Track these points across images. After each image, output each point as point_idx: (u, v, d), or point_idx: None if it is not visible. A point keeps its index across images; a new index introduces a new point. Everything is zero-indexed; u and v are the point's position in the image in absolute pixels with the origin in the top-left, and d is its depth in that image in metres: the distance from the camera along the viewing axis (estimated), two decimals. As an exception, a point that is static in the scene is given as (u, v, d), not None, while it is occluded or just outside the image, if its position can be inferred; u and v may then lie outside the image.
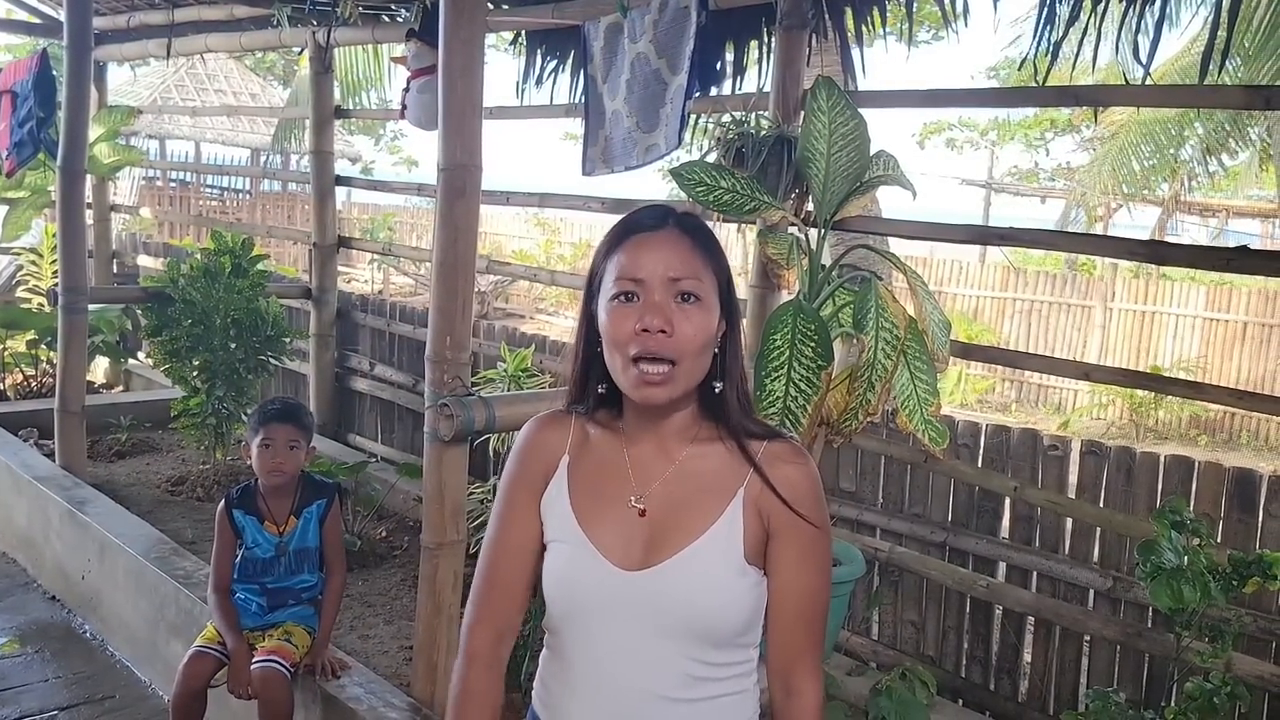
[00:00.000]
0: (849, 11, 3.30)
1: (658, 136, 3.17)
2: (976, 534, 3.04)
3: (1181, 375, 8.30)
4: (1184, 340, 10.11)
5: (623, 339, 1.15)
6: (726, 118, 3.03)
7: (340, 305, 5.32)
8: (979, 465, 3.02)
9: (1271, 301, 9.72)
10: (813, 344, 2.48)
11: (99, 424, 4.88)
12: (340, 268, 5.78)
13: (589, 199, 3.95)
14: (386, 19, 4.63)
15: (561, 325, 12.76)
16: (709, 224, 1.25)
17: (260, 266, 4.58)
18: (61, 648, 3.50)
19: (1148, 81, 2.83)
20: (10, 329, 5.76)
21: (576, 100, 3.80)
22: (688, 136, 3.27)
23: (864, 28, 3.35)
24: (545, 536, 1.26)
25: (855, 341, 2.63)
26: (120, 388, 6.23)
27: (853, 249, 2.94)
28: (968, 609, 3.06)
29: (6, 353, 5.79)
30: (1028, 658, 3.02)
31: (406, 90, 4.15)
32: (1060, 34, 2.68)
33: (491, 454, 3.27)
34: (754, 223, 3.04)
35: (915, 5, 3.18)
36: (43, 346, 5.73)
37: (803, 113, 2.91)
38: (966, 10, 3.06)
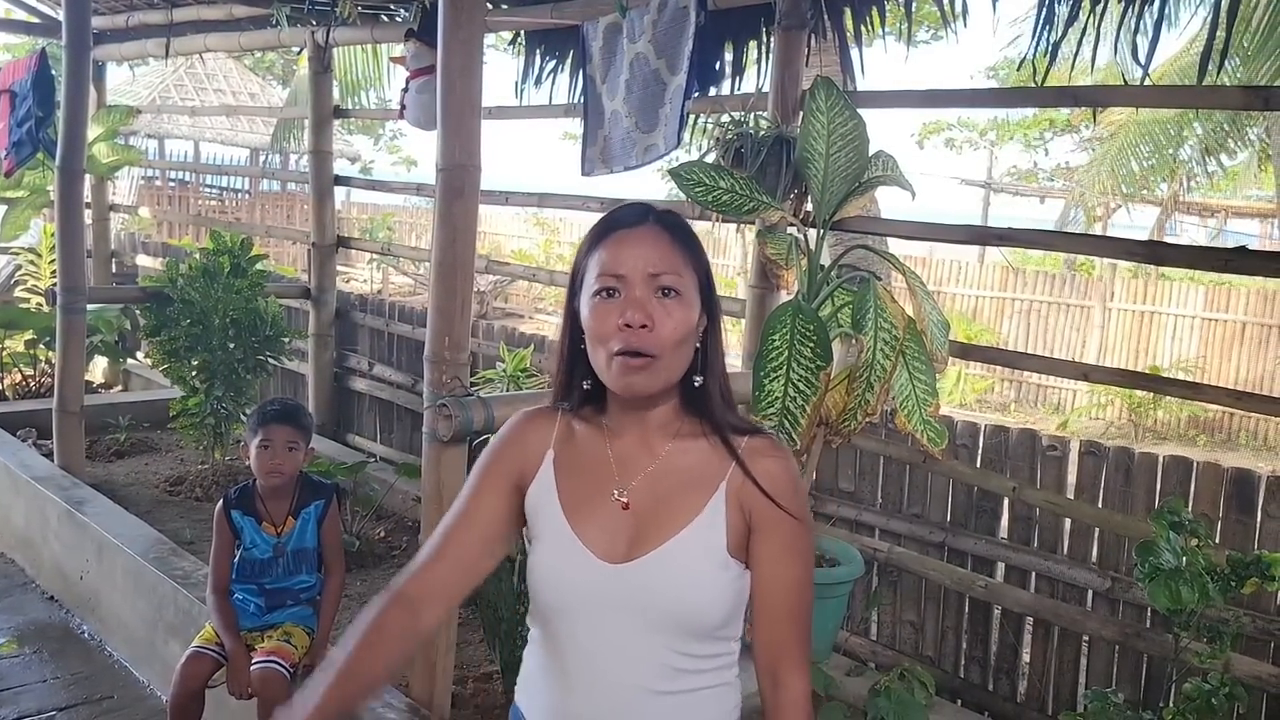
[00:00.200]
0: (848, 11, 3.30)
1: (657, 137, 3.17)
2: (975, 534, 3.04)
3: (1180, 375, 8.31)
4: (1183, 340, 10.12)
5: (605, 334, 1.17)
6: (725, 118, 3.03)
7: (339, 305, 5.31)
8: (978, 465, 3.02)
9: (1270, 302, 9.73)
10: (811, 344, 2.48)
11: (97, 424, 4.88)
12: (339, 267, 5.78)
13: (588, 199, 3.95)
14: (385, 19, 4.63)
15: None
16: (689, 221, 1.26)
17: (259, 266, 4.58)
18: (60, 648, 3.50)
19: (1147, 82, 2.84)
20: (9, 329, 5.75)
21: (575, 100, 3.80)
22: (687, 137, 3.27)
23: (863, 28, 3.35)
24: (530, 531, 1.27)
25: (854, 342, 2.63)
26: (119, 387, 6.22)
27: (851, 249, 2.94)
28: (966, 609, 3.06)
29: (5, 352, 5.78)
30: (1026, 658, 3.02)
31: (405, 90, 4.15)
32: (1059, 34, 2.68)
33: (490, 454, 3.26)
34: (753, 223, 3.04)
35: (914, 5, 3.18)
36: (41, 346, 5.73)
37: (801, 113, 2.91)
38: (965, 10, 3.06)
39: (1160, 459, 2.77)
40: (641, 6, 3.17)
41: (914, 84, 3.48)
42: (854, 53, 3.38)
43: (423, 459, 2.39)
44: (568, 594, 1.22)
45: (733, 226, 3.19)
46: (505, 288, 13.56)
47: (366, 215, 17.91)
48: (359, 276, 14.44)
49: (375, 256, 12.84)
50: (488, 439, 1.45)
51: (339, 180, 5.42)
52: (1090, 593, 2.83)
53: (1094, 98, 3.26)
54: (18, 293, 6.34)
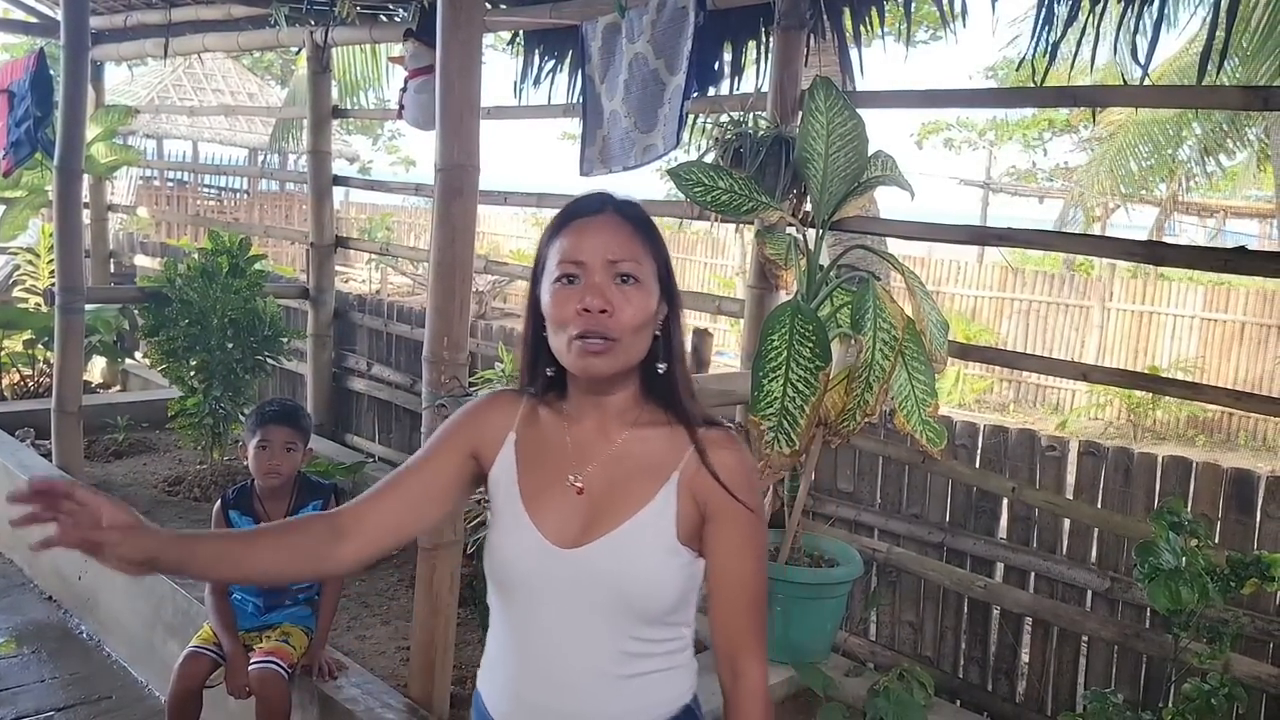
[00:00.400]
0: (847, 11, 3.30)
1: (656, 137, 3.17)
2: (974, 534, 3.04)
3: (1179, 376, 8.31)
4: (1182, 340, 10.12)
5: (565, 319, 1.20)
6: (724, 118, 3.02)
7: (338, 305, 5.31)
8: (977, 466, 3.02)
9: (1269, 302, 9.73)
10: (810, 344, 2.48)
11: (96, 424, 4.87)
12: (338, 267, 5.78)
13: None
14: (384, 19, 4.62)
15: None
16: (646, 210, 1.28)
17: (258, 266, 4.58)
18: (58, 648, 3.49)
19: (1146, 82, 2.83)
20: (7, 329, 5.74)
21: (574, 100, 3.80)
22: (686, 137, 3.27)
23: (862, 28, 3.35)
24: (491, 511, 1.30)
25: (853, 342, 2.63)
26: (117, 387, 6.22)
27: (851, 249, 2.94)
28: (965, 609, 3.06)
29: (3, 352, 5.78)
30: (1025, 658, 3.01)
31: (404, 90, 4.15)
32: (1059, 35, 2.68)
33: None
34: (752, 223, 3.04)
35: (914, 5, 3.18)
36: (39, 346, 5.72)
37: (801, 113, 2.91)
38: (965, 11, 3.06)
39: (1159, 459, 2.76)
40: (640, 6, 3.16)
41: (913, 84, 3.48)
42: (853, 53, 3.38)
43: (421, 459, 2.38)
44: (520, 575, 1.24)
45: (731, 226, 3.19)
46: (504, 288, 13.54)
47: (365, 215, 17.90)
48: (357, 276, 14.43)
49: (374, 256, 12.84)
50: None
51: (338, 180, 5.41)
52: (1089, 593, 2.83)
53: (1093, 98, 3.25)
54: (16, 293, 6.32)
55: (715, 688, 1.29)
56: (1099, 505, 2.82)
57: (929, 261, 12.10)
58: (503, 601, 1.28)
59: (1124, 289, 10.56)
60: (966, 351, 3.28)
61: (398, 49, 4.28)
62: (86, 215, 5.37)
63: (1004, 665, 3.01)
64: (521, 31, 4.09)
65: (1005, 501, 2.99)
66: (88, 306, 4.52)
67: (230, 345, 4.34)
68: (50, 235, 5.28)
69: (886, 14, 3.35)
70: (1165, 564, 2.18)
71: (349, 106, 6.37)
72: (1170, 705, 2.33)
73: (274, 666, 2.48)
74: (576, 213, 1.25)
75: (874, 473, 3.25)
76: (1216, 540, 2.57)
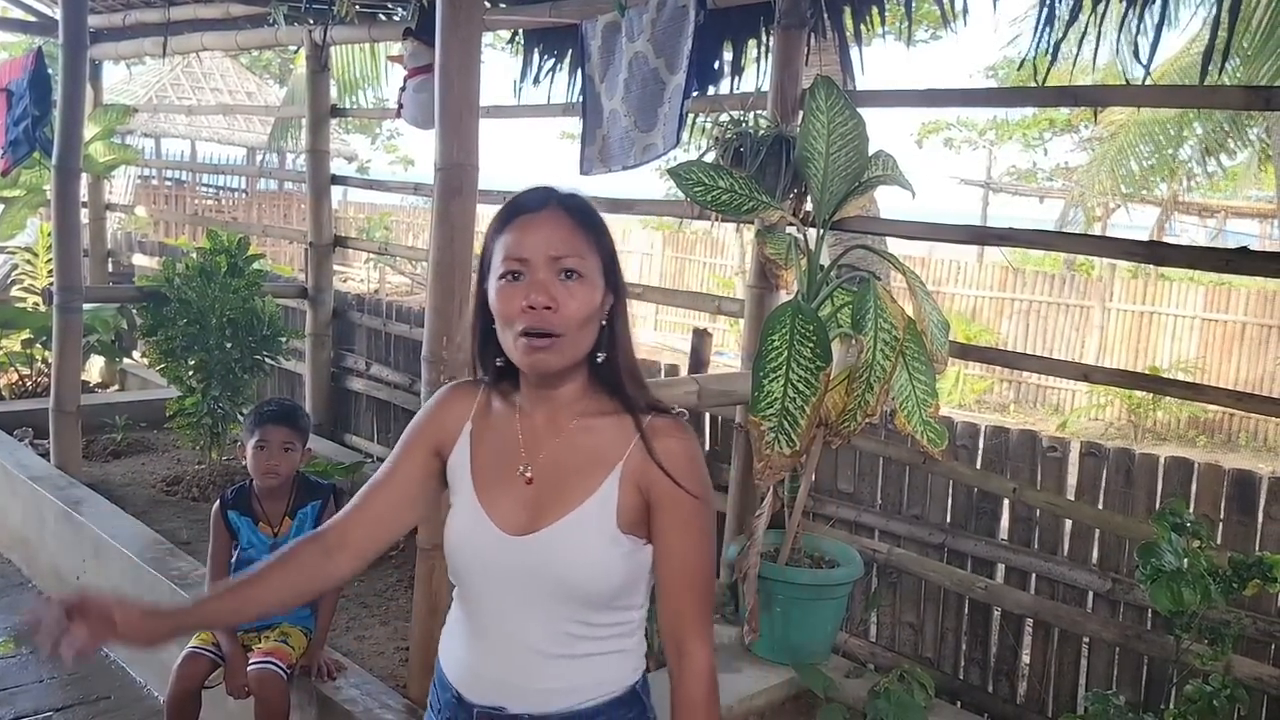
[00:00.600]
0: (848, 10, 3.29)
1: (655, 136, 3.16)
2: (975, 535, 3.03)
3: (1180, 376, 8.30)
4: (1182, 341, 10.11)
5: (510, 315, 1.22)
6: (725, 117, 3.01)
7: (336, 305, 5.30)
8: (978, 466, 3.01)
9: (1270, 302, 9.72)
10: (811, 344, 2.47)
11: (94, 423, 4.86)
12: (336, 267, 5.77)
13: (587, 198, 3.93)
14: (383, 17, 4.61)
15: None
16: (591, 203, 1.30)
17: (256, 266, 4.57)
18: (56, 649, 3.48)
19: (1147, 81, 2.82)
20: (5, 328, 5.73)
21: (574, 99, 3.79)
22: (686, 136, 3.26)
23: (863, 27, 3.34)
24: (449, 499, 1.34)
25: (854, 342, 2.62)
26: (115, 387, 6.21)
27: (851, 249, 2.93)
28: (966, 611, 3.05)
29: (1, 352, 5.77)
30: (1026, 660, 3.01)
31: (403, 89, 4.14)
32: (1060, 34, 2.67)
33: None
34: (752, 223, 3.03)
35: (914, 4, 3.17)
36: (38, 346, 5.71)
37: (801, 112, 2.90)
38: (966, 10, 3.05)
39: (1161, 460, 2.75)
40: (640, 5, 3.15)
41: (913, 83, 3.47)
42: (853, 52, 3.38)
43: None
44: (473, 561, 1.30)
45: (731, 226, 3.18)
46: (503, 287, 13.53)
47: (364, 215, 17.89)
48: (356, 276, 14.42)
49: (372, 256, 12.83)
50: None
51: (336, 180, 5.40)
52: (1091, 594, 2.82)
53: (1094, 97, 3.24)
54: (14, 292, 6.31)
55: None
56: (1100, 506, 2.81)
57: (929, 261, 12.09)
58: (458, 580, 1.33)
59: (1124, 289, 10.56)
60: (967, 352, 3.27)
61: (397, 48, 4.27)
62: (84, 214, 5.35)
63: (1005, 667, 3.00)
64: (521, 30, 4.08)
65: (1006, 502, 2.98)
66: (86, 306, 4.51)
67: (229, 345, 4.33)
68: (48, 234, 5.27)
69: (887, 13, 3.35)
70: (1167, 565, 2.17)
71: (347, 105, 6.36)
72: (1172, 707, 2.32)
73: (273, 667, 2.47)
74: (520, 209, 1.26)
75: (874, 473, 3.24)
76: (1218, 541, 2.56)
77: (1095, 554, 2.84)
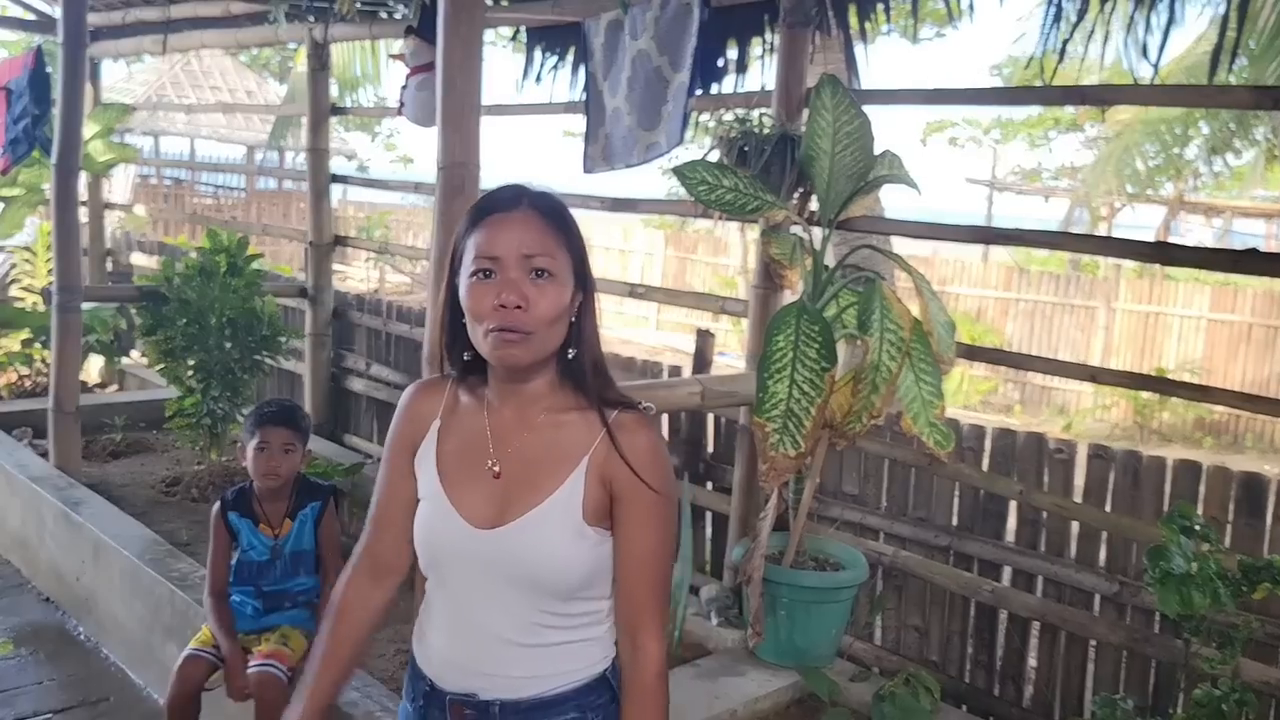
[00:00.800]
0: (853, 8, 3.27)
1: (659, 134, 3.13)
2: (981, 538, 3.01)
3: (1186, 377, 8.27)
4: (1188, 341, 10.07)
5: (482, 313, 1.24)
6: (729, 115, 2.99)
7: (336, 304, 5.28)
8: (984, 468, 2.99)
9: (1276, 303, 9.69)
10: (816, 345, 2.45)
11: (93, 424, 4.83)
12: (335, 266, 5.75)
13: (589, 197, 3.91)
14: (384, 15, 4.59)
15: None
16: (563, 202, 1.32)
17: (256, 265, 4.54)
18: (56, 650, 3.46)
19: (1155, 81, 2.80)
20: (4, 328, 5.71)
21: (577, 98, 3.77)
22: (689, 134, 3.24)
23: (867, 24, 3.31)
24: (418, 493, 1.36)
25: (859, 343, 2.60)
26: (114, 387, 6.18)
27: (857, 249, 2.90)
28: (972, 614, 3.03)
29: (0, 352, 5.74)
30: (1033, 663, 2.99)
31: (405, 87, 4.12)
32: (1068, 34, 2.64)
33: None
34: (756, 222, 3.00)
35: (919, 2, 3.15)
36: (37, 345, 5.69)
37: (806, 111, 2.87)
38: (972, 8, 3.02)
39: (1169, 463, 2.73)
40: (644, 3, 3.13)
41: (917, 82, 3.44)
42: (858, 50, 3.35)
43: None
44: (442, 553, 1.33)
45: (734, 225, 3.16)
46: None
47: (363, 214, 17.86)
48: (355, 275, 14.41)
49: (372, 255, 12.81)
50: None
51: (337, 179, 5.38)
52: (1098, 597, 2.80)
53: (1101, 96, 3.23)
54: (13, 291, 6.29)
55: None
56: (1108, 509, 2.79)
57: (933, 261, 12.06)
58: (428, 571, 1.37)
59: (1130, 289, 10.52)
60: (974, 353, 3.25)
61: (397, 45, 4.25)
62: (83, 213, 5.33)
63: (1011, 670, 2.98)
64: (523, 28, 4.06)
65: (1013, 505, 2.96)
66: (85, 305, 4.49)
67: (228, 345, 4.31)
68: (47, 233, 5.25)
69: (892, 10, 3.32)
70: (1177, 568, 2.15)
71: (348, 103, 6.34)
72: (1180, 711, 2.30)
73: (273, 670, 2.46)
74: (492, 207, 1.28)
75: (880, 475, 3.22)
76: (1226, 544, 2.54)
77: (1102, 557, 2.82)
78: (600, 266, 15.13)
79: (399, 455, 1.39)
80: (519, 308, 1.22)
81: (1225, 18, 2.52)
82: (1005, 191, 16.58)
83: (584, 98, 3.49)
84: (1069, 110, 13.55)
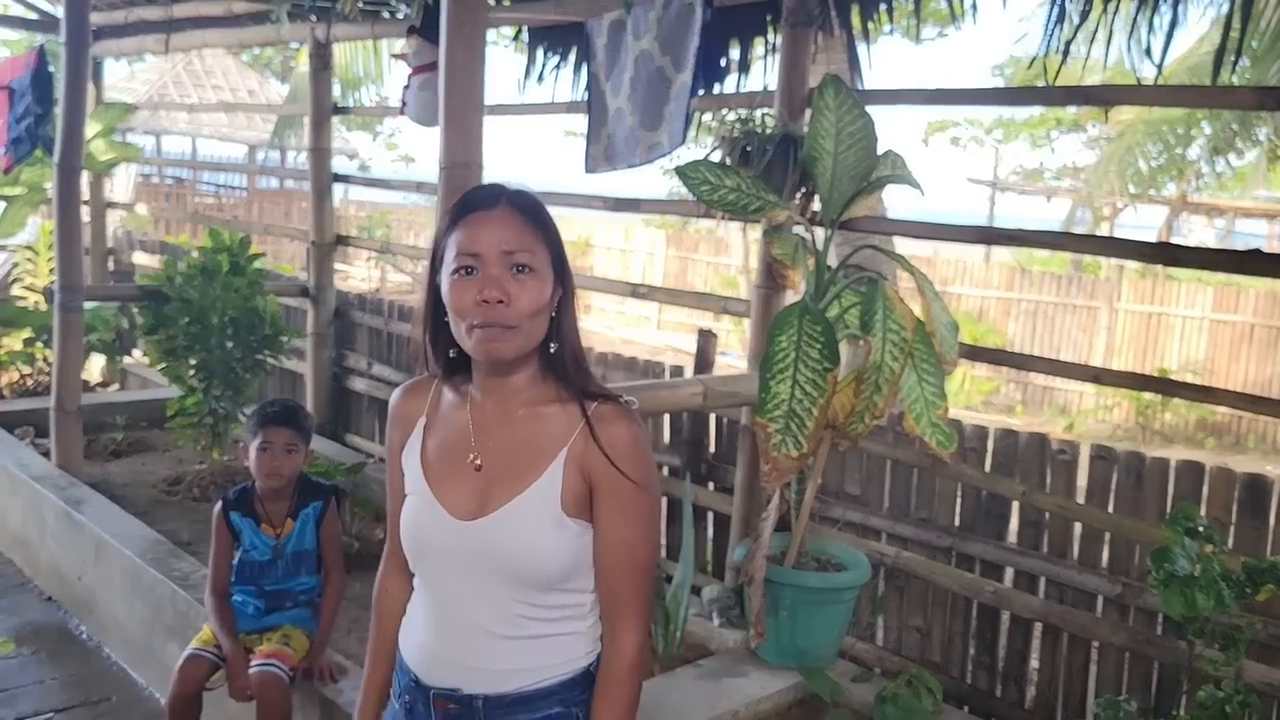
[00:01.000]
0: (855, 8, 3.26)
1: (661, 135, 3.13)
2: (983, 539, 3.00)
3: (1189, 377, 8.26)
4: (1191, 342, 10.06)
5: (464, 310, 1.27)
6: (731, 115, 2.99)
7: (338, 304, 5.28)
8: (986, 469, 2.98)
9: (1278, 303, 9.68)
10: (819, 346, 2.44)
11: (95, 423, 4.83)
12: (337, 266, 5.74)
13: (591, 197, 3.91)
14: (386, 15, 4.58)
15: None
16: (540, 200, 1.34)
17: (257, 265, 4.54)
18: (57, 649, 3.47)
19: (1159, 81, 2.79)
20: (6, 327, 5.71)
21: (579, 97, 3.76)
22: (691, 134, 3.23)
23: (870, 24, 3.30)
24: (404, 489, 1.40)
25: (862, 344, 2.59)
26: (116, 386, 6.18)
27: (860, 249, 2.90)
28: (974, 615, 3.02)
29: (2, 351, 5.74)
30: (1035, 664, 2.98)
31: (407, 87, 4.11)
32: (1071, 34, 2.64)
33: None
34: (759, 222, 3.00)
35: (922, 2, 3.14)
36: (39, 344, 5.69)
37: (809, 111, 2.87)
38: (974, 8, 3.02)
39: (1172, 464, 2.73)
40: (647, 3, 3.13)
41: (919, 81, 3.44)
42: (861, 50, 3.34)
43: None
44: (425, 545, 1.36)
45: (735, 225, 3.15)
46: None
47: (365, 214, 17.86)
48: (357, 275, 14.40)
49: (374, 255, 12.81)
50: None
51: (338, 178, 5.37)
52: (1100, 598, 2.79)
53: (1105, 97, 3.21)
54: (15, 290, 6.29)
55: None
56: (1110, 510, 2.78)
57: (935, 261, 12.05)
58: (415, 568, 1.39)
59: (1132, 290, 10.51)
60: (977, 354, 3.24)
61: (399, 45, 4.25)
62: (85, 212, 5.33)
63: (1013, 671, 2.98)
64: (525, 27, 4.06)
65: (1015, 505, 2.96)
66: (86, 304, 4.49)
67: (230, 344, 4.30)
68: (49, 233, 5.25)
69: (895, 10, 3.31)
70: (1180, 570, 2.15)
71: (350, 103, 6.33)
72: (1183, 713, 2.29)
73: (274, 669, 2.45)
74: (472, 205, 1.31)
75: (882, 476, 3.21)
76: (1229, 546, 2.53)
77: (1105, 558, 2.81)
78: (601, 266, 15.14)
79: (395, 457, 1.43)
80: (500, 302, 1.25)
81: (1228, 18, 2.52)
82: (1007, 191, 16.57)
83: (586, 98, 3.48)
84: (1071, 110, 13.53)
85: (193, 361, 4.32)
